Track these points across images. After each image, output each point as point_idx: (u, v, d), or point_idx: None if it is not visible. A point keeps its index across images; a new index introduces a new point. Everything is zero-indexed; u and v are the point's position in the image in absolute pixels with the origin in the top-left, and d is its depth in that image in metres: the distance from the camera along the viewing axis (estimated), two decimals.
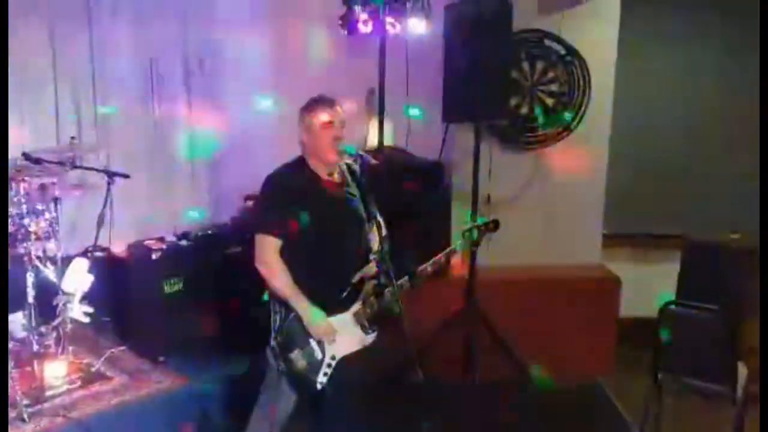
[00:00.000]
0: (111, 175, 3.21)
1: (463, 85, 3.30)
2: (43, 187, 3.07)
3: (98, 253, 3.38)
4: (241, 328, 3.31)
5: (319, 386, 2.44)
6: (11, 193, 2.91)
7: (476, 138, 3.48)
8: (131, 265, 3.51)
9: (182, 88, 4.01)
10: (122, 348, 3.38)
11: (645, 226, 4.24)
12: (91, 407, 2.89)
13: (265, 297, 2.55)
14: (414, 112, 3.93)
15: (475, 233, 2.63)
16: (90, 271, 3.15)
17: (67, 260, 3.16)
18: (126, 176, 3.27)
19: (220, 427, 3.03)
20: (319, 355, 2.44)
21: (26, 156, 2.97)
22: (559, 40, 3.76)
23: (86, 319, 3.14)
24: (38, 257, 2.99)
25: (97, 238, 3.17)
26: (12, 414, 2.69)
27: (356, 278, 2.49)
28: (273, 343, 2.47)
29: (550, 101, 3.80)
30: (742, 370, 2.81)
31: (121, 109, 3.83)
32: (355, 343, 2.49)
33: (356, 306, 2.48)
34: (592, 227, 3.89)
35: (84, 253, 3.30)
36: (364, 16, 3.66)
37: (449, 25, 3.41)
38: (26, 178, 2.96)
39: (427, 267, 2.54)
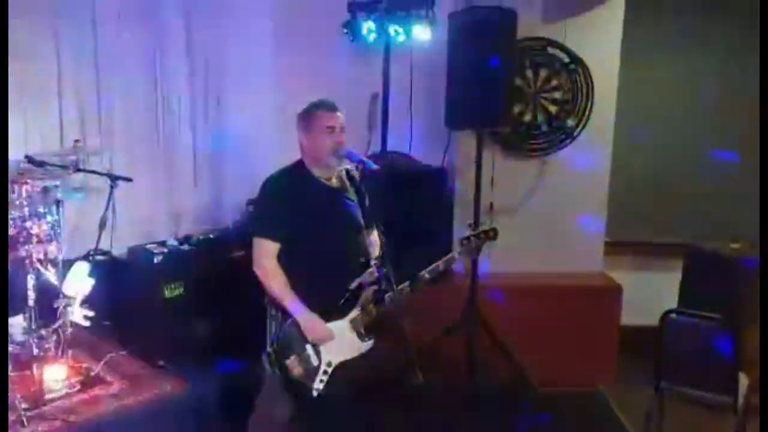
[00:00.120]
0: (113, 178, 3.22)
1: (467, 92, 3.31)
2: (45, 190, 3.06)
3: (99, 257, 3.39)
4: (242, 333, 3.30)
5: (315, 393, 2.41)
6: (14, 196, 2.91)
7: (479, 145, 3.49)
8: (132, 268, 3.50)
9: (186, 92, 4.01)
10: (122, 352, 3.36)
11: (647, 234, 4.24)
12: (91, 411, 2.87)
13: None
14: (417, 118, 3.94)
15: (474, 241, 2.62)
16: (91, 274, 3.14)
17: (68, 263, 3.14)
18: (128, 179, 3.27)
19: None
20: (315, 361, 2.42)
21: (29, 159, 2.97)
22: (562, 48, 3.77)
23: (87, 323, 3.13)
24: (39, 260, 2.98)
25: (98, 241, 3.17)
26: (11, 417, 2.67)
27: (354, 284, 2.47)
28: (269, 349, 2.45)
29: (553, 109, 3.81)
30: (744, 380, 2.80)
31: (125, 113, 3.83)
32: (352, 351, 2.47)
33: (354, 312, 2.47)
34: (594, 235, 3.88)
35: (85, 257, 3.30)
36: (368, 23, 3.68)
37: (453, 32, 3.43)
38: (29, 181, 2.96)
39: (425, 274, 2.53)
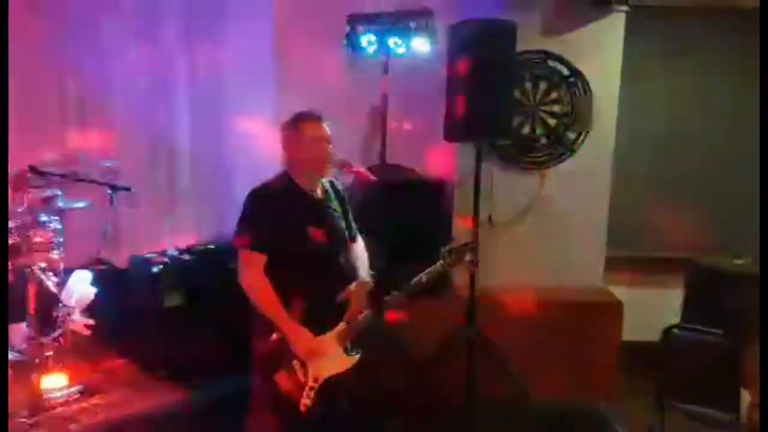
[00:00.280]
0: (115, 188, 3.25)
1: (466, 105, 3.32)
2: (47, 199, 3.11)
3: (100, 266, 3.41)
4: (242, 344, 3.30)
5: (302, 408, 2.38)
6: (15, 205, 2.95)
7: (478, 157, 3.48)
8: (133, 278, 3.52)
9: (186, 102, 4.06)
10: (122, 361, 3.38)
11: (648, 249, 4.21)
12: (90, 420, 2.88)
13: None
14: (416, 130, 3.95)
15: (456, 252, 2.55)
16: (92, 283, 3.17)
17: (69, 272, 3.17)
18: (129, 189, 3.30)
19: None
20: (302, 376, 2.39)
21: (32, 168, 3.01)
22: (562, 61, 3.77)
23: (87, 332, 3.15)
24: (40, 269, 3.02)
25: (99, 250, 3.19)
26: (11, 425, 2.69)
27: (341, 297, 2.45)
28: (258, 362, 2.43)
29: (552, 122, 3.81)
30: (746, 397, 2.77)
31: (127, 123, 3.87)
32: (339, 365, 2.44)
33: (340, 326, 2.44)
34: (594, 249, 3.85)
35: (86, 266, 3.33)
36: (368, 35, 3.71)
37: (453, 44, 3.44)
38: (31, 190, 3.01)
39: (408, 287, 2.49)
